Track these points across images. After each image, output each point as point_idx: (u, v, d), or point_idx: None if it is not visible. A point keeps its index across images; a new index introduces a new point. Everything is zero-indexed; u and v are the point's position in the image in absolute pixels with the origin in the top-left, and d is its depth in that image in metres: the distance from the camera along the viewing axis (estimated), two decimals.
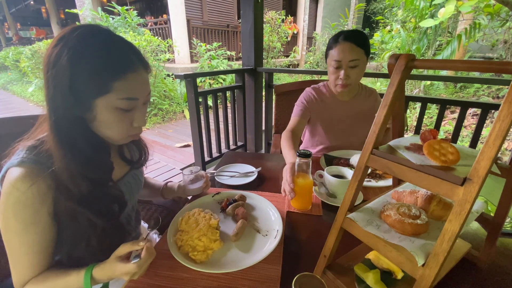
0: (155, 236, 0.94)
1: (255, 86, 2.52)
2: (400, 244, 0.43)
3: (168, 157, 3.08)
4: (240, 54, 3.17)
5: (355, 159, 1.04)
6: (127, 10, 5.17)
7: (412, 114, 4.20)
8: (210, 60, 5.59)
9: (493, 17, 3.18)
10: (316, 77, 2.58)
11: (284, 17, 8.05)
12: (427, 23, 3.62)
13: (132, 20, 5.21)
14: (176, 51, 6.20)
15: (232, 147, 2.66)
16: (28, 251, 0.54)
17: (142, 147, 0.77)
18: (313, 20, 10.39)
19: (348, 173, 0.86)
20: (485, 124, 1.66)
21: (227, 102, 2.49)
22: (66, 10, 5.96)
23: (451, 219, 0.35)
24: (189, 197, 0.90)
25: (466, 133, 3.53)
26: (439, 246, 0.36)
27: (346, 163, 1.04)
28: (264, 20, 6.99)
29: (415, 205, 0.51)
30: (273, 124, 1.80)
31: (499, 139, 0.31)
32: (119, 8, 5.07)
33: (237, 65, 6.11)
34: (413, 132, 3.37)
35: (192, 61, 6.66)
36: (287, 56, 9.21)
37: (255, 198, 0.85)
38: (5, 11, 14.43)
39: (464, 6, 3.09)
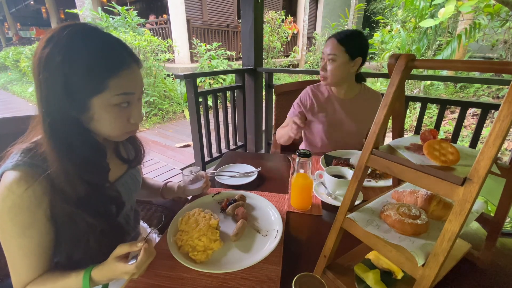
0: (154, 236, 0.94)
1: (255, 86, 2.52)
2: (400, 244, 0.43)
3: (168, 157, 3.08)
4: (240, 54, 3.17)
5: (355, 159, 1.04)
6: (127, 10, 5.17)
7: (412, 114, 4.20)
8: (210, 60, 5.59)
9: (493, 17, 3.18)
10: (316, 77, 2.58)
11: (284, 17, 8.05)
12: (427, 23, 3.63)
13: (132, 20, 5.21)
14: (176, 51, 6.20)
15: (232, 147, 2.66)
16: (27, 254, 0.54)
17: (138, 145, 0.77)
18: (313, 20, 10.39)
19: (348, 173, 0.86)
20: (485, 124, 1.66)
21: (227, 102, 2.49)
22: (66, 10, 5.96)
23: (451, 219, 0.35)
24: (189, 197, 0.90)
25: (466, 133, 3.53)
26: (439, 246, 0.36)
27: (346, 163, 1.04)
28: (264, 20, 6.99)
29: (415, 205, 0.51)
30: (273, 124, 1.80)
31: (499, 139, 0.31)
32: (119, 8, 5.06)
33: (237, 65, 6.11)
34: (413, 132, 3.37)
35: (192, 61, 6.66)
36: (287, 56, 9.21)
37: (255, 198, 0.85)
38: (5, 11, 14.43)
39: (464, 6, 3.09)
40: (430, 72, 3.55)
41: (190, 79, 1.96)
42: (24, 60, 7.19)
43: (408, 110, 4.06)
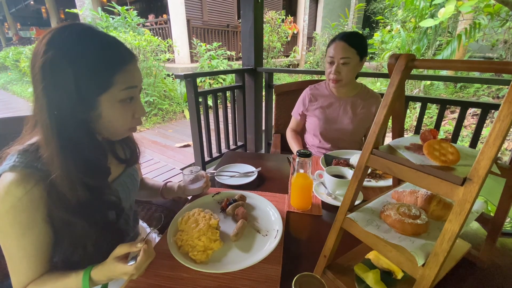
0: (154, 236, 0.94)
1: (255, 86, 2.52)
2: (400, 244, 0.43)
3: (168, 157, 3.08)
4: (240, 54, 3.17)
5: (355, 159, 1.04)
6: (127, 10, 5.17)
7: (412, 114, 4.20)
8: (210, 60, 5.59)
9: (493, 17, 3.18)
10: (316, 77, 2.58)
11: (284, 17, 8.05)
12: (427, 23, 3.62)
13: (132, 20, 5.21)
14: (176, 51, 6.20)
15: (232, 147, 2.66)
16: (26, 255, 0.54)
17: (133, 144, 0.77)
18: (313, 20, 10.39)
19: (348, 173, 0.86)
20: (485, 124, 1.66)
21: (227, 102, 2.49)
22: (66, 10, 5.96)
23: (451, 219, 0.35)
24: (189, 197, 0.90)
25: (466, 133, 3.53)
26: (439, 246, 0.36)
27: (346, 163, 1.04)
28: (264, 20, 6.99)
29: (415, 205, 0.51)
30: (273, 124, 1.80)
31: (499, 139, 0.31)
32: (119, 8, 5.07)
33: (237, 65, 6.11)
34: (413, 132, 3.37)
35: (192, 61, 6.66)
36: (287, 56, 9.21)
37: (255, 198, 0.85)
38: (5, 11, 14.43)
39: (464, 6, 3.09)
40: (430, 72, 3.56)
41: (190, 79, 1.96)
42: (24, 60, 7.19)
43: (408, 110, 4.06)
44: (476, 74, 4.13)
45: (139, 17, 5.40)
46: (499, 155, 0.34)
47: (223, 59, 5.81)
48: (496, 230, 0.55)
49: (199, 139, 2.16)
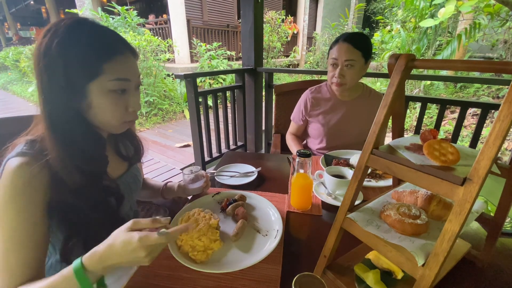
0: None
1: (255, 86, 2.52)
2: (400, 244, 0.43)
3: (168, 157, 3.08)
4: (240, 54, 3.17)
5: (355, 159, 1.04)
6: (127, 10, 5.16)
7: (412, 114, 4.20)
8: (210, 60, 5.59)
9: (493, 17, 3.18)
10: (316, 77, 2.58)
11: (284, 17, 8.05)
12: (427, 23, 3.62)
13: (132, 20, 5.21)
14: (176, 51, 6.19)
15: (232, 147, 2.66)
16: (18, 246, 0.51)
17: (137, 142, 0.78)
18: (313, 20, 10.39)
19: (348, 173, 0.86)
20: (485, 124, 1.66)
21: (227, 102, 2.49)
22: (66, 10, 5.95)
23: (451, 219, 0.35)
24: (189, 197, 0.90)
25: (466, 133, 3.53)
26: (439, 246, 0.36)
27: (346, 163, 1.04)
28: (264, 20, 6.99)
29: (415, 205, 0.51)
30: (273, 124, 1.80)
31: (499, 139, 0.31)
32: (119, 8, 5.06)
33: (237, 65, 6.11)
34: (413, 132, 3.37)
35: (192, 61, 6.66)
36: (287, 56, 9.21)
37: (255, 198, 0.85)
38: (5, 11, 14.43)
39: (464, 6, 3.09)
40: (430, 72, 3.56)
41: (190, 79, 1.96)
42: (24, 60, 7.19)
43: (408, 110, 4.06)
44: (476, 74, 4.13)
45: (139, 17, 5.40)
46: (499, 155, 0.34)
47: (223, 59, 5.81)
48: (496, 230, 0.55)
49: (199, 139, 2.16)
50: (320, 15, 10.31)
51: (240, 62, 2.86)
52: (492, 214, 0.55)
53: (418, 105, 3.54)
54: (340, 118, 1.28)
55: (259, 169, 1.04)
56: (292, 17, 8.83)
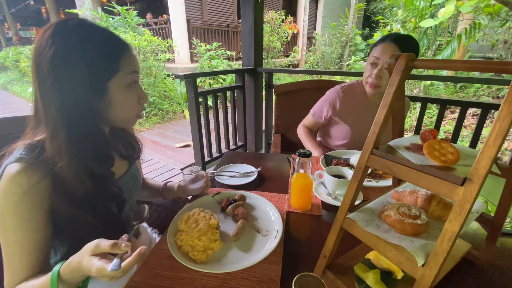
0: (155, 236, 0.94)
1: (255, 86, 2.52)
2: (400, 244, 0.43)
3: (168, 157, 3.08)
4: (240, 54, 3.17)
5: (355, 159, 1.04)
6: (127, 10, 5.17)
7: (412, 114, 4.20)
8: (210, 60, 5.59)
9: (493, 17, 3.18)
10: (316, 77, 2.58)
11: (284, 17, 8.05)
12: (427, 23, 3.62)
13: (132, 20, 5.21)
14: (176, 51, 6.20)
15: (232, 147, 2.66)
16: (22, 250, 0.52)
17: (135, 140, 0.79)
18: (313, 20, 10.39)
19: (348, 173, 0.86)
20: (485, 124, 1.66)
21: (227, 102, 2.49)
22: (66, 10, 5.95)
23: (451, 219, 0.35)
24: (189, 197, 0.90)
25: (466, 133, 3.53)
26: (439, 246, 0.36)
27: (346, 163, 1.04)
28: (264, 20, 6.99)
29: (415, 205, 0.51)
30: (273, 124, 1.80)
31: (499, 139, 0.31)
32: (119, 8, 5.06)
33: (237, 65, 6.11)
34: (413, 132, 3.37)
35: (192, 61, 6.66)
36: (287, 56, 9.21)
37: (255, 198, 0.85)
38: (5, 11, 14.43)
39: (464, 6, 3.09)
40: (430, 72, 3.56)
41: (190, 79, 1.96)
42: (24, 60, 7.19)
43: (408, 110, 4.05)
44: (476, 74, 4.13)
45: (139, 17, 5.40)
46: (499, 155, 0.34)
47: (223, 59, 5.81)
48: (496, 230, 0.55)
49: (199, 139, 2.16)
50: (320, 15, 10.32)
51: (240, 62, 2.85)
52: (492, 214, 0.55)
53: (418, 105, 3.54)
54: (368, 121, 1.24)
55: (259, 169, 1.04)
56: (292, 17, 8.84)
